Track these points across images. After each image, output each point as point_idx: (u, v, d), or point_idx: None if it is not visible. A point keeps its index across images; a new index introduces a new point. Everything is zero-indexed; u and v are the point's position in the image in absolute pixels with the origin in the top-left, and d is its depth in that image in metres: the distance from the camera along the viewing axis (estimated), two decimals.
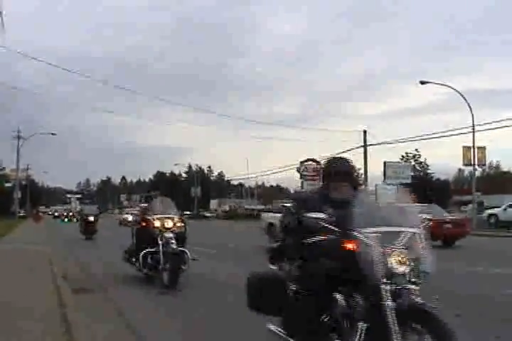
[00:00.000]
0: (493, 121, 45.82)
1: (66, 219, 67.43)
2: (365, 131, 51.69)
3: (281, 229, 10.57)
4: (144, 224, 12.54)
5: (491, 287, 11.49)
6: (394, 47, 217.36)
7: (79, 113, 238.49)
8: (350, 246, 4.71)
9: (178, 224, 12.20)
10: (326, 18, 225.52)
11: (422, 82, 42.58)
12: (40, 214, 70.28)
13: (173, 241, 11.57)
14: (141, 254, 11.79)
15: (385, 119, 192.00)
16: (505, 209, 38.95)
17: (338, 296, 4.78)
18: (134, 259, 12.39)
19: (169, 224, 12.01)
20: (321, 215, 4.96)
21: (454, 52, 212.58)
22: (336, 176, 5.35)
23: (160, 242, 11.59)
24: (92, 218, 30.05)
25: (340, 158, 5.80)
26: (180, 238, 12.01)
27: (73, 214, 66.80)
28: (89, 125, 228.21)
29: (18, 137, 69.34)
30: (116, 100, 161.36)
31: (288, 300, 5.26)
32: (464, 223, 25.03)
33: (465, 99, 41.19)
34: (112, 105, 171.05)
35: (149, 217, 12.28)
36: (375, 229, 4.60)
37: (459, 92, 41.83)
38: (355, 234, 4.61)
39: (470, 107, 40.54)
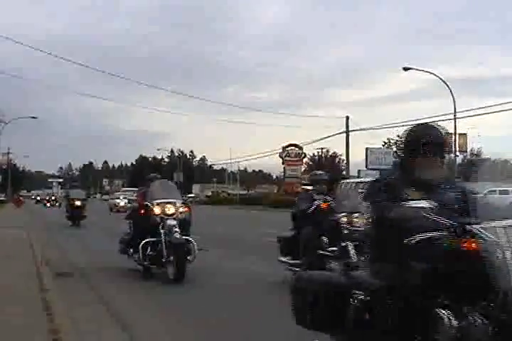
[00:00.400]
0: (475, 108, 46.19)
1: (49, 204, 64.14)
2: (347, 117, 51.83)
3: (298, 216, 10.05)
4: (142, 210, 11.18)
5: None
6: (377, 33, 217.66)
7: (61, 97, 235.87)
8: (472, 245, 3.45)
9: (181, 210, 10.90)
10: (309, 4, 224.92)
11: (405, 69, 42.63)
12: (22, 198, 69.70)
13: (177, 230, 10.35)
14: (141, 245, 10.48)
15: (368, 106, 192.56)
16: (485, 195, 39.27)
17: (444, 313, 3.39)
18: (131, 250, 11.15)
19: (171, 210, 10.76)
20: (425, 204, 3.74)
21: (437, 40, 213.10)
22: (427, 148, 3.93)
23: (162, 231, 10.44)
24: (79, 203, 27.76)
25: (432, 125, 4.31)
26: (185, 225, 10.85)
27: (55, 199, 65.17)
28: (71, 109, 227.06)
29: None
30: (98, 84, 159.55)
31: (354, 315, 3.90)
32: None
33: (447, 86, 41.36)
34: (94, 89, 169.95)
35: (148, 203, 10.98)
36: (505, 223, 3.43)
37: (441, 79, 41.97)
38: (479, 229, 3.47)
39: (452, 94, 40.72)
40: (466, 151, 51.81)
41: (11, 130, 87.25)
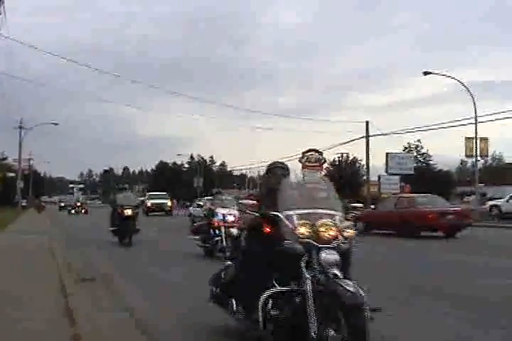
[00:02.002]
0: (496, 112, 45.86)
1: (74, 211, 58.70)
2: (367, 122, 51.56)
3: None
4: (266, 228, 5.94)
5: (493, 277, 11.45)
6: (397, 38, 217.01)
7: (82, 103, 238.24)
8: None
9: (347, 232, 5.50)
10: (328, 8, 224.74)
11: (426, 73, 42.34)
12: (43, 204, 70.11)
13: (338, 273, 5.12)
14: (262, 300, 5.43)
15: (388, 110, 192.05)
16: (507, 201, 38.84)
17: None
18: (234, 305, 6.29)
19: (331, 231, 5.34)
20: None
21: (458, 44, 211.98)
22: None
23: (307, 274, 5.17)
24: (130, 212, 19.98)
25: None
26: (345, 262, 5.43)
27: (81, 205, 61.46)
28: (92, 115, 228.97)
29: (20, 127, 69.07)
30: (119, 90, 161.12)
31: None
32: (466, 214, 25.00)
33: (468, 90, 41.06)
34: (115, 95, 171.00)
35: (283, 215, 5.55)
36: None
37: (462, 83, 41.67)
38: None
39: (473, 98, 40.40)
40: (488, 156, 51.24)
41: (32, 136, 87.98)
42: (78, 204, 61.83)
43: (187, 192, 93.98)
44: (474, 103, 40.17)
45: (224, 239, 14.88)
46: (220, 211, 15.62)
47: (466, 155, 43.81)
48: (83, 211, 57.76)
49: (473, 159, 43.87)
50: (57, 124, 72.92)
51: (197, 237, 16.25)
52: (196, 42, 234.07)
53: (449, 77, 43.43)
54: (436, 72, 43.33)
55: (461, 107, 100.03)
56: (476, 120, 40.48)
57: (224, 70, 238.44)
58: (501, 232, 27.55)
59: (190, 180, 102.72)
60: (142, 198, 53.78)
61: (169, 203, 58.09)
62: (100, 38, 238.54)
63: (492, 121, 41.90)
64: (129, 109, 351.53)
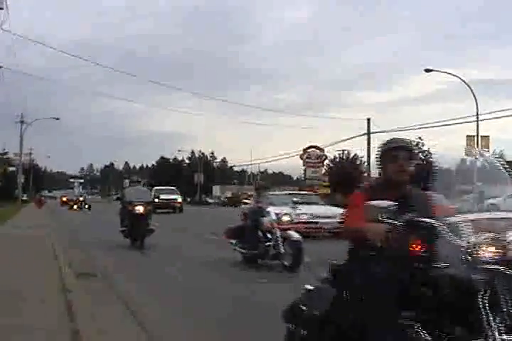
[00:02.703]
0: (498, 110, 45.81)
1: (76, 207, 54.05)
2: (368, 119, 51.59)
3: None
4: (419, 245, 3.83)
5: None
6: (399, 36, 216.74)
7: (83, 98, 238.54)
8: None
9: None
10: (330, 6, 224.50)
11: (427, 70, 42.36)
12: (43, 199, 70.03)
13: None
14: None
15: (389, 108, 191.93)
16: (505, 200, 38.91)
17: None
18: None
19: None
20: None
21: (460, 42, 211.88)
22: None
23: (492, 322, 3.18)
24: (141, 209, 17.24)
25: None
26: None
27: (84, 201, 56.20)
28: (93, 110, 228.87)
29: (22, 122, 69.14)
30: (120, 86, 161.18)
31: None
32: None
33: (469, 87, 41.05)
34: (116, 91, 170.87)
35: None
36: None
37: (463, 81, 41.67)
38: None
39: (474, 96, 40.39)
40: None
41: (33, 131, 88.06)
42: (81, 199, 57.09)
43: (188, 188, 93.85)
44: (476, 101, 40.17)
45: (280, 244, 12.00)
46: (273, 210, 12.94)
47: (466, 154, 43.83)
48: (86, 206, 53.84)
49: (474, 157, 43.89)
50: (58, 119, 73.04)
51: (233, 241, 13.31)
52: (198, 38, 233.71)
53: (450, 74, 43.45)
54: (437, 69, 43.37)
55: (462, 105, 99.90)
56: (477, 118, 40.49)
57: (226, 66, 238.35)
58: None
59: (190, 176, 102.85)
60: None
61: (180, 199, 51.72)
62: (101, 32, 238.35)
63: (497, 118, 41.92)
64: (130, 104, 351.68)
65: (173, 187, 55.86)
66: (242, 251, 12.92)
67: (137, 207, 17.16)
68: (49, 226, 24.71)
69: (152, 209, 18.56)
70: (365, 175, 56.73)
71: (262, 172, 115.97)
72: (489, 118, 42.51)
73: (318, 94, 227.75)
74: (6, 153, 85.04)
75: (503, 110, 42.67)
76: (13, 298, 7.73)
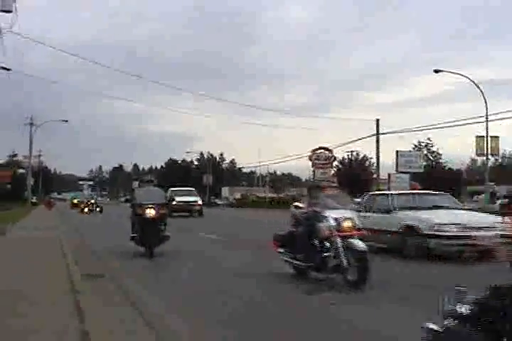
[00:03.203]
0: (508, 111, 45.61)
1: (87, 209, 50.89)
2: (377, 120, 51.47)
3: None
4: None
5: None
6: (407, 36, 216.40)
7: (92, 100, 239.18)
8: None
9: None
10: (338, 6, 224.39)
11: (436, 71, 42.30)
12: (52, 201, 70.26)
13: None
14: None
15: (397, 108, 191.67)
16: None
17: None
18: None
19: None
20: None
21: (469, 42, 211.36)
22: None
23: None
24: (152, 212, 14.96)
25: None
26: None
27: (95, 203, 54.02)
28: (102, 112, 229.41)
29: (31, 124, 69.42)
30: (129, 87, 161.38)
31: None
32: None
33: (479, 88, 40.95)
34: (125, 92, 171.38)
35: None
36: None
37: (472, 81, 41.58)
38: None
39: (484, 96, 40.30)
40: (498, 154, 51.12)
41: (43, 133, 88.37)
42: (92, 201, 54.14)
43: (196, 189, 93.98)
44: (485, 101, 40.12)
45: (342, 255, 10.00)
46: (331, 214, 10.58)
47: (477, 154, 43.77)
48: (97, 209, 51.49)
49: (484, 158, 43.77)
50: (66, 121, 73.37)
51: (282, 250, 11.58)
52: (206, 39, 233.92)
53: (460, 74, 43.35)
54: (446, 70, 43.27)
55: (471, 106, 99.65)
56: (486, 118, 40.40)
57: (234, 67, 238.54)
58: None
59: (199, 177, 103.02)
60: None
61: (200, 201, 46.94)
62: (110, 34, 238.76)
63: (506, 118, 41.77)
64: (140, 106, 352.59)
65: (191, 188, 51.42)
66: (294, 262, 11.10)
67: (148, 211, 14.81)
68: (58, 228, 24.74)
69: (167, 213, 16.11)
70: (375, 176, 56.62)
71: (270, 174, 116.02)
72: (500, 119, 42.28)
73: (327, 94, 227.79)
74: (15, 156, 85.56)
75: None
76: (21, 299, 7.73)
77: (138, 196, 15.62)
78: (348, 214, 10.77)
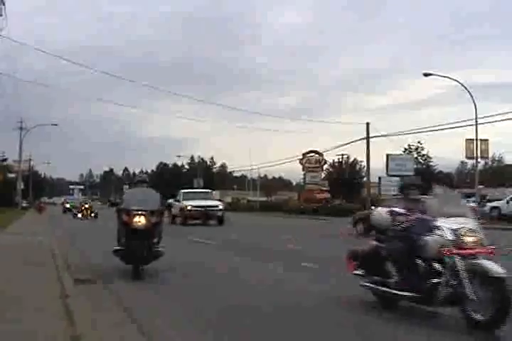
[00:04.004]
0: (497, 114, 45.92)
1: (81, 215, 46.85)
2: (367, 124, 51.60)
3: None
4: None
5: None
6: (397, 40, 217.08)
7: (82, 104, 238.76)
8: None
9: None
10: (329, 10, 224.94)
11: (426, 74, 42.45)
12: (43, 204, 69.96)
13: None
14: None
15: (388, 112, 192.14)
16: (507, 202, 38.86)
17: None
18: None
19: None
20: None
21: (458, 45, 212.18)
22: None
23: None
24: (143, 220, 11.59)
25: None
26: None
27: (90, 207, 48.57)
28: (93, 116, 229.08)
29: (21, 128, 69.37)
30: (120, 91, 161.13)
31: None
32: None
33: (468, 92, 41.14)
34: (116, 97, 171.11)
35: None
36: None
37: (462, 84, 41.76)
38: None
39: (473, 99, 40.46)
40: (488, 157, 51.37)
41: (33, 137, 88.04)
42: (86, 206, 48.76)
43: None
44: (475, 104, 40.30)
45: (466, 282, 7.06)
46: (446, 223, 7.55)
47: (467, 157, 43.98)
48: (92, 215, 47.03)
49: (474, 161, 43.94)
50: (56, 125, 73.28)
51: (361, 272, 8.81)
52: (197, 43, 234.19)
53: (449, 78, 43.52)
54: (436, 73, 43.42)
55: (461, 109, 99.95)
56: (476, 122, 40.58)
57: (225, 71, 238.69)
58: (500, 233, 27.54)
59: (190, 182, 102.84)
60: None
61: (221, 206, 37.83)
62: (101, 38, 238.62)
63: (496, 121, 42.06)
64: (129, 110, 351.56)
65: (207, 190, 45.04)
66: (383, 289, 8.27)
67: (137, 219, 11.46)
68: (51, 234, 24.57)
69: (161, 221, 12.32)
70: (365, 179, 56.71)
71: (261, 177, 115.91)
72: (489, 122, 42.46)
73: (317, 98, 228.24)
74: (5, 160, 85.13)
75: (501, 114, 42.66)
76: (11, 304, 7.71)
77: (126, 200, 12.27)
78: (470, 223, 7.56)
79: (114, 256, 11.83)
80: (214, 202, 38.91)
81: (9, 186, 72.13)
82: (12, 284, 9.47)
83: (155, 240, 11.81)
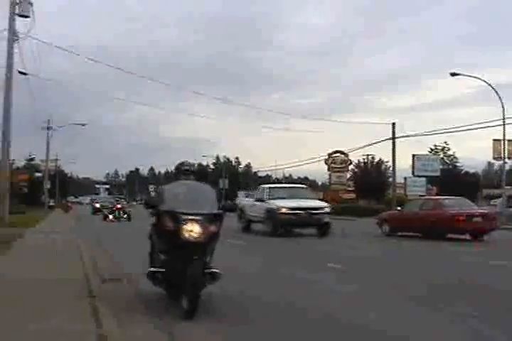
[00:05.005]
0: None
1: (111, 217, 40.84)
2: (393, 124, 51.28)
3: None
4: None
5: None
6: (424, 40, 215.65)
7: (109, 104, 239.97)
8: None
9: None
10: (354, 12, 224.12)
11: (453, 74, 42.05)
12: (69, 204, 70.43)
13: None
14: None
15: (415, 112, 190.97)
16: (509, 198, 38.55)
17: None
18: None
19: None
20: None
21: (486, 45, 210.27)
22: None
23: None
24: (197, 230, 7.69)
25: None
26: None
27: (122, 208, 42.24)
28: (119, 116, 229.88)
29: (48, 128, 69.84)
30: (144, 92, 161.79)
31: None
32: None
33: (495, 91, 40.71)
34: (140, 97, 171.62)
35: None
36: None
37: (489, 84, 41.33)
38: None
39: (501, 99, 40.05)
40: None
41: (60, 137, 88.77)
42: (119, 206, 42.46)
43: None
44: (502, 104, 39.86)
45: None
46: None
47: (494, 158, 43.49)
48: (125, 216, 41.11)
49: (501, 161, 43.48)
50: (84, 125, 73.62)
51: None
52: (223, 45, 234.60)
53: (476, 78, 43.11)
54: (464, 73, 43.03)
55: (488, 109, 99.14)
56: (503, 122, 40.12)
57: (250, 71, 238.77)
58: None
59: (215, 181, 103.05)
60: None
61: (328, 208, 26.25)
62: (126, 38, 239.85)
63: None
64: (156, 111, 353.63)
65: (302, 186, 34.47)
66: None
67: (189, 226, 7.74)
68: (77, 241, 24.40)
69: (219, 230, 8.14)
70: (391, 179, 56.35)
71: (286, 178, 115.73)
72: None
73: (341, 98, 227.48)
74: (32, 159, 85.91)
75: None
76: (40, 302, 7.77)
77: (168, 198, 8.17)
78: None
79: (148, 278, 8.17)
80: (317, 202, 27.70)
81: (36, 185, 72.77)
82: (40, 284, 9.56)
83: (208, 259, 8.02)
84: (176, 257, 7.82)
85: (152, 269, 8.19)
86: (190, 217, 7.74)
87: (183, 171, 8.89)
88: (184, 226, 7.68)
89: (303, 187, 31.39)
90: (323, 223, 25.07)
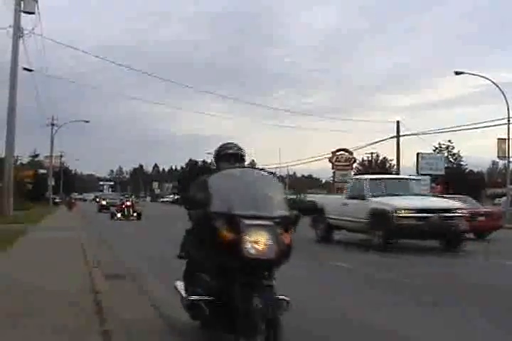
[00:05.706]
0: None
1: (120, 215, 37.79)
2: (398, 122, 51.24)
3: None
4: None
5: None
6: (429, 38, 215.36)
7: (113, 101, 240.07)
8: None
9: None
10: (359, 11, 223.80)
11: (457, 73, 42.00)
12: (73, 200, 70.26)
13: None
14: None
15: (419, 111, 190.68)
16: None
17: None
18: None
19: None
20: None
21: (490, 44, 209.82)
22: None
23: None
24: (266, 241, 5.02)
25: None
26: None
27: (132, 206, 38.69)
28: (123, 113, 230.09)
29: (52, 124, 69.91)
30: (148, 89, 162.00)
31: None
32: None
33: (501, 90, 40.63)
34: (146, 94, 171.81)
35: None
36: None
37: (494, 83, 41.25)
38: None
39: (505, 98, 39.98)
40: None
41: (64, 134, 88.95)
42: (128, 203, 38.72)
43: None
44: (507, 103, 39.78)
45: None
46: None
47: (499, 157, 43.44)
48: (135, 214, 38.04)
49: (506, 160, 43.41)
50: (88, 122, 73.80)
51: None
52: (228, 42, 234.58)
53: (481, 76, 43.05)
54: (468, 72, 42.97)
55: (493, 108, 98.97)
56: (508, 120, 40.06)
57: (256, 70, 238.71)
58: None
59: None
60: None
61: (464, 210, 18.39)
62: (131, 36, 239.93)
63: None
64: (161, 108, 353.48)
65: (417, 177, 30.13)
66: None
67: (254, 236, 5.06)
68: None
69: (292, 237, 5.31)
70: None
71: (290, 175, 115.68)
72: None
73: (347, 97, 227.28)
74: (37, 156, 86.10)
75: None
76: (42, 298, 7.79)
77: (216, 192, 5.38)
78: None
79: (186, 308, 6.00)
80: (448, 201, 19.67)
81: (41, 182, 72.84)
82: (42, 279, 9.58)
83: (273, 282, 5.28)
84: (234, 281, 5.16)
85: (194, 297, 5.71)
86: (255, 222, 5.13)
87: (227, 155, 6.61)
88: (247, 237, 5.06)
89: (419, 179, 25.02)
90: (460, 232, 17.60)
